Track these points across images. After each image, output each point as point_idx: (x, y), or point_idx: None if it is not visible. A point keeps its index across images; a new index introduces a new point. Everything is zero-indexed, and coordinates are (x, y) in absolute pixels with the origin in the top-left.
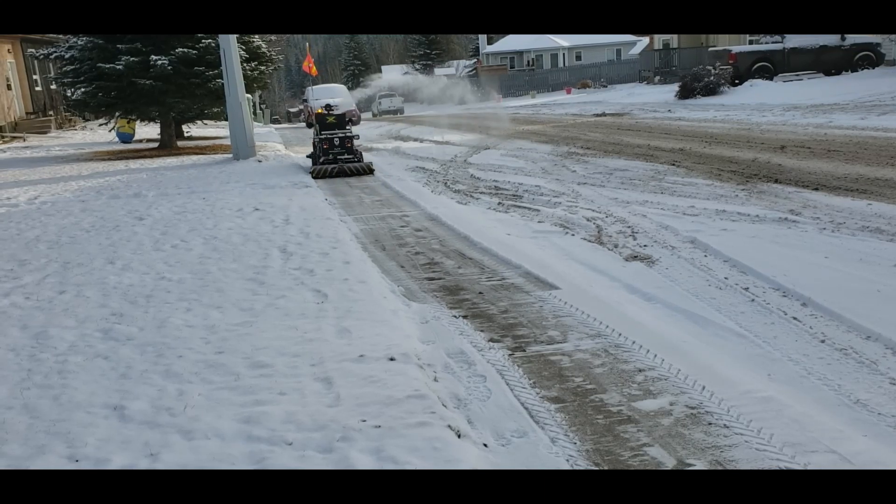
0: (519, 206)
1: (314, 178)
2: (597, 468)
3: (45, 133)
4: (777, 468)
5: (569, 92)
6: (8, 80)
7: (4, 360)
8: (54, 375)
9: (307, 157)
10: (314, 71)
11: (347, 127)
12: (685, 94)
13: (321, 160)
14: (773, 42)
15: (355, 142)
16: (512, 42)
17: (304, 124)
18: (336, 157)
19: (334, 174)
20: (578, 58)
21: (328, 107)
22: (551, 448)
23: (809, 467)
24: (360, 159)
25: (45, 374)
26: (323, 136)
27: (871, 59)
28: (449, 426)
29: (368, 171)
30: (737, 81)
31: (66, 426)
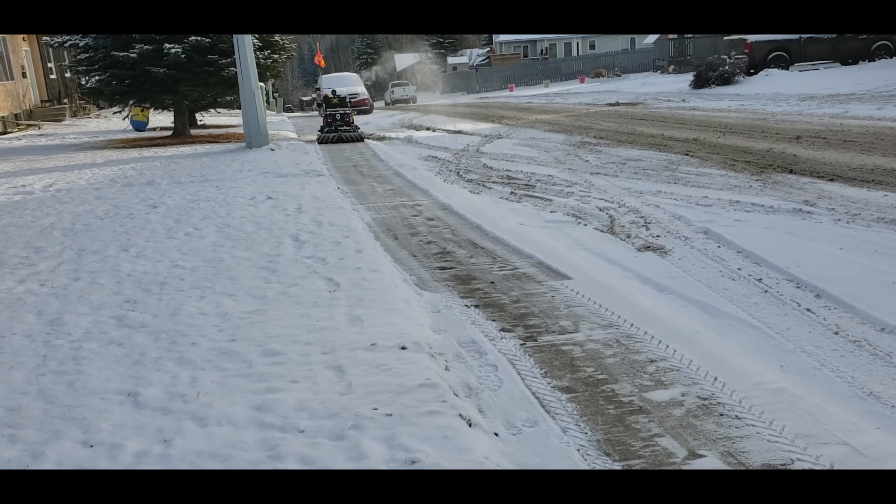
0: (531, 196)
1: (319, 143)
2: (606, 462)
3: (60, 121)
4: (788, 460)
5: (582, 81)
6: (23, 68)
7: (20, 347)
8: (69, 361)
9: (318, 129)
10: (322, 63)
11: (347, 108)
12: (700, 83)
13: (325, 130)
14: None
15: (354, 119)
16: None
17: (316, 113)
18: (337, 129)
19: (334, 140)
20: (592, 47)
21: (334, 91)
22: (562, 438)
23: (821, 459)
24: (356, 131)
25: (60, 361)
26: (328, 112)
27: (889, 48)
28: (460, 415)
29: (360, 139)
30: (752, 71)
31: (81, 412)
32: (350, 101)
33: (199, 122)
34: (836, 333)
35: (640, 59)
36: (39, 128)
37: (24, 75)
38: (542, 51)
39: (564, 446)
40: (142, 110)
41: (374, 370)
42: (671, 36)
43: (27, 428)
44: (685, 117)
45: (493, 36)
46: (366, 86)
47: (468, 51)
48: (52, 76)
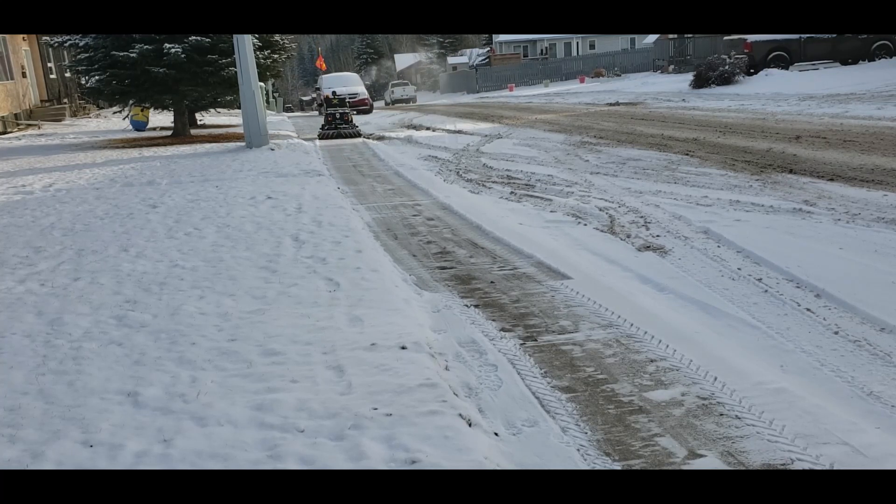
0: (531, 196)
1: (319, 139)
2: (606, 462)
3: (60, 121)
4: (788, 460)
5: (582, 81)
6: (23, 67)
7: (20, 346)
8: (69, 361)
9: (319, 128)
10: (323, 66)
11: (346, 107)
12: (700, 83)
13: (326, 128)
14: None
15: (353, 118)
16: None
17: (317, 113)
18: (336, 126)
19: (333, 136)
20: (592, 46)
21: (334, 93)
22: (562, 437)
23: (821, 459)
24: (353, 128)
25: (59, 360)
26: (329, 111)
27: (889, 48)
28: (460, 415)
29: (357, 135)
30: (752, 71)
31: (81, 412)
32: (350, 101)
33: (199, 122)
34: (836, 333)
35: (640, 59)
36: (39, 128)
37: (24, 75)
38: (542, 51)
39: (564, 446)
40: (142, 110)
41: (374, 370)
42: (671, 36)
43: (27, 428)
44: (685, 117)
45: (493, 36)
46: (366, 86)
47: (468, 51)
48: (52, 76)
